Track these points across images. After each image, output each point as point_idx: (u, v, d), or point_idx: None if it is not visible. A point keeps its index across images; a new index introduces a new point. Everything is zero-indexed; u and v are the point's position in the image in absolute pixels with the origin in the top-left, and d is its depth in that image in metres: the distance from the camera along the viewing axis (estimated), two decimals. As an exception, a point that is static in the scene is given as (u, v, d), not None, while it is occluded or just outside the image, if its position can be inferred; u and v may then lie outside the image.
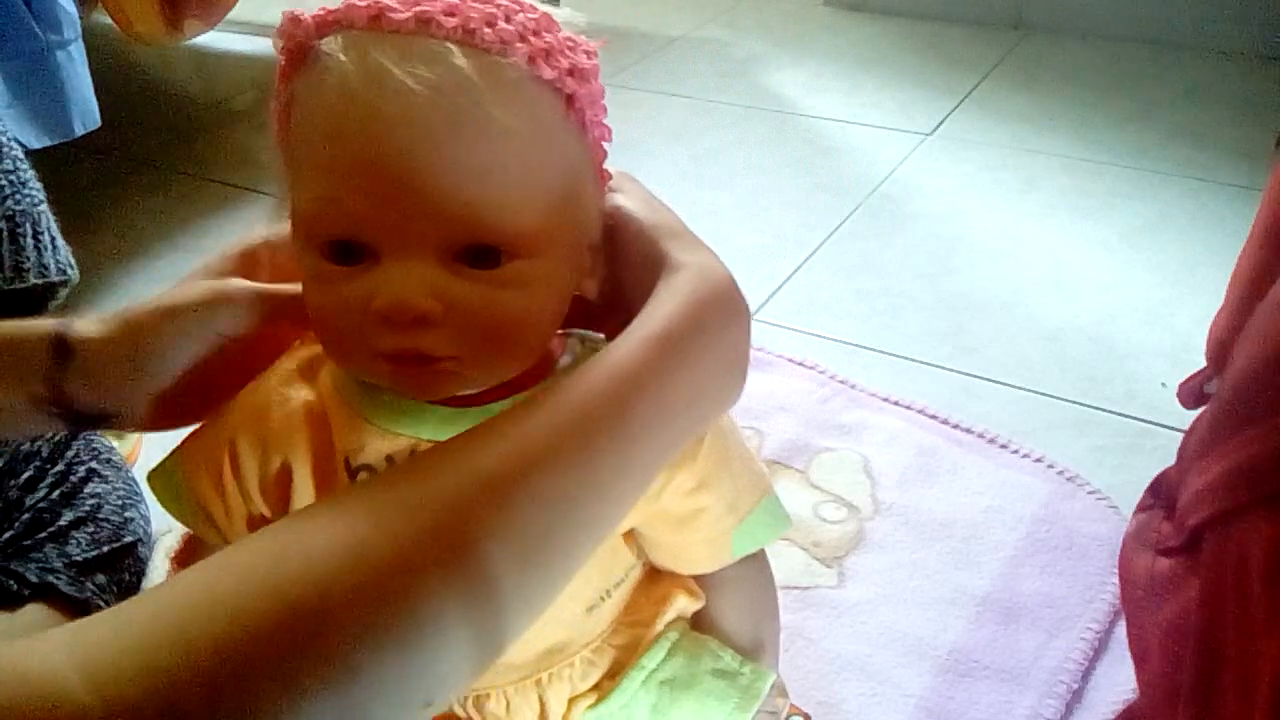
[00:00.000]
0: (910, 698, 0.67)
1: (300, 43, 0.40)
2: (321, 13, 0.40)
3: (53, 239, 0.98)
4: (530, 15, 0.41)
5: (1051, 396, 0.95)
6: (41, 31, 1.02)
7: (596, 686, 0.51)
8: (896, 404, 0.93)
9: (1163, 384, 0.95)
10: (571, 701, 0.51)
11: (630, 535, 0.50)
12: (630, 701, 0.51)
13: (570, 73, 0.41)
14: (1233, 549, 0.36)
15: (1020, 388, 0.96)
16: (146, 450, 0.91)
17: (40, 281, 0.98)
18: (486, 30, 0.39)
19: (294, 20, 0.40)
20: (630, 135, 1.54)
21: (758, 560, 0.54)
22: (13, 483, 0.68)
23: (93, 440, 0.74)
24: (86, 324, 0.49)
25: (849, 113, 1.56)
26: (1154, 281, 1.12)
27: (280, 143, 0.43)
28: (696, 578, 0.55)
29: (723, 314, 0.43)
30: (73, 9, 1.06)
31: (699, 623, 0.55)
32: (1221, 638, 0.36)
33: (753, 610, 0.56)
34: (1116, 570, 0.49)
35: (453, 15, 0.39)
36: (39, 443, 0.71)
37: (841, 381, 0.96)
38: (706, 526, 0.50)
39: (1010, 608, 0.73)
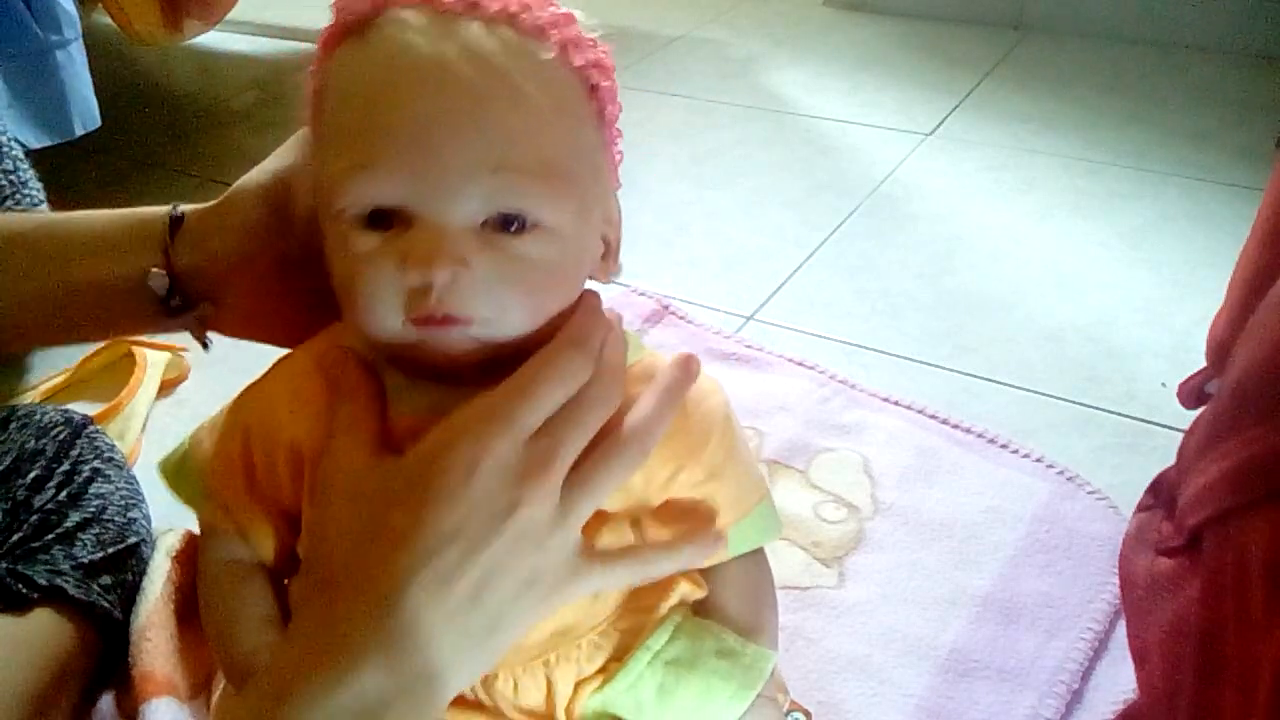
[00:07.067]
0: (910, 697, 0.67)
1: (358, 15, 0.43)
2: None
3: (53, 239, 0.98)
4: (555, 10, 0.44)
5: (1051, 396, 0.95)
6: (41, 31, 1.02)
7: (603, 669, 0.51)
8: (896, 404, 0.93)
9: (1163, 384, 0.95)
10: (579, 686, 0.51)
11: (636, 525, 0.50)
12: (636, 682, 0.51)
13: (595, 65, 0.45)
14: (1233, 549, 0.36)
15: (1020, 388, 0.96)
16: (147, 450, 0.91)
17: (41, 281, 0.98)
18: (525, 15, 0.42)
19: None
20: (630, 135, 1.54)
21: (756, 553, 0.55)
22: (19, 482, 0.67)
23: (95, 439, 0.74)
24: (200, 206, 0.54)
25: (849, 113, 1.56)
26: (1154, 281, 1.12)
27: (313, 116, 0.46)
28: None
29: None
30: (73, 9, 1.06)
31: (700, 611, 0.55)
32: (1221, 638, 0.36)
33: (753, 598, 0.56)
34: (1116, 570, 0.49)
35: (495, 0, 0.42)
36: (43, 441, 0.70)
37: (841, 381, 0.96)
38: None
39: (1010, 608, 0.73)
